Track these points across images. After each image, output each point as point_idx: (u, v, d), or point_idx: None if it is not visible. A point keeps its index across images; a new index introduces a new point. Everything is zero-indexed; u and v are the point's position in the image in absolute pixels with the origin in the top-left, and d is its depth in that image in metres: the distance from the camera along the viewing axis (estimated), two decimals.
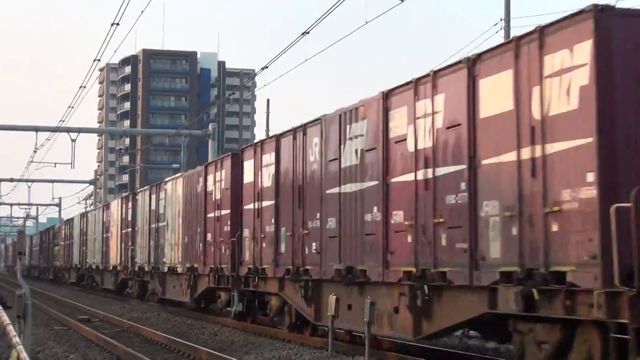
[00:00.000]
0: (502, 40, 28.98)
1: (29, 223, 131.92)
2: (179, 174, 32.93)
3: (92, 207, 71.94)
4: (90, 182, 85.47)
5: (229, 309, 26.66)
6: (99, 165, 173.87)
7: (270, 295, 23.20)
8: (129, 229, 40.98)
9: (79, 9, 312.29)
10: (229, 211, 25.69)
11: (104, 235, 48.51)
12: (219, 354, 17.93)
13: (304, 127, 20.37)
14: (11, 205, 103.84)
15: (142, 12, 27.19)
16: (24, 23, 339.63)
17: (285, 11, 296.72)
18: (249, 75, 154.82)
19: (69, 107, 40.78)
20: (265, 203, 22.66)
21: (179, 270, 31.30)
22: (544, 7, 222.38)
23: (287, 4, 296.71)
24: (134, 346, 20.78)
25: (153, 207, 35.64)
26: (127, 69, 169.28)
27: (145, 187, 38.83)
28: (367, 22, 23.45)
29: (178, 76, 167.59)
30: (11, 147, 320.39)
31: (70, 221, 65.89)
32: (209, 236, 27.60)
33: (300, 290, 20.29)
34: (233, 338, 22.46)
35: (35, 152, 51.62)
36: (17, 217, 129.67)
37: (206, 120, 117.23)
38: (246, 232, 24.11)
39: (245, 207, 24.29)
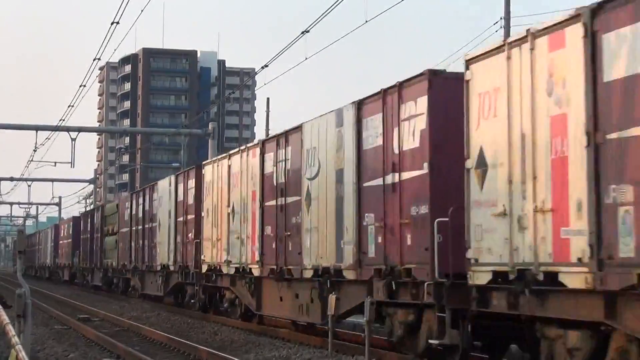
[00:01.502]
0: (502, 39, 29.52)
1: (29, 222, 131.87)
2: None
3: (92, 207, 69.59)
4: (90, 181, 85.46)
5: None
6: (98, 164, 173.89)
7: None
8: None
9: (79, 8, 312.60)
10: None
11: (258, 207, 23.18)
12: (219, 353, 17.93)
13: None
14: (11, 204, 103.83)
15: (142, 10, 27.14)
16: (24, 22, 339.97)
17: (285, 10, 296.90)
18: (249, 74, 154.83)
19: (69, 106, 40.75)
20: None
21: None
22: (543, 6, 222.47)
23: (287, 3, 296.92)
24: (134, 345, 20.79)
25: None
26: (127, 68, 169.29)
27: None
28: (367, 21, 23.53)
29: (178, 75, 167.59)
30: (11, 146, 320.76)
31: (150, 189, 37.54)
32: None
33: None
34: (233, 337, 22.45)
35: (35, 151, 51.58)
36: (17, 217, 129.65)
37: (206, 119, 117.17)
38: None
39: None
